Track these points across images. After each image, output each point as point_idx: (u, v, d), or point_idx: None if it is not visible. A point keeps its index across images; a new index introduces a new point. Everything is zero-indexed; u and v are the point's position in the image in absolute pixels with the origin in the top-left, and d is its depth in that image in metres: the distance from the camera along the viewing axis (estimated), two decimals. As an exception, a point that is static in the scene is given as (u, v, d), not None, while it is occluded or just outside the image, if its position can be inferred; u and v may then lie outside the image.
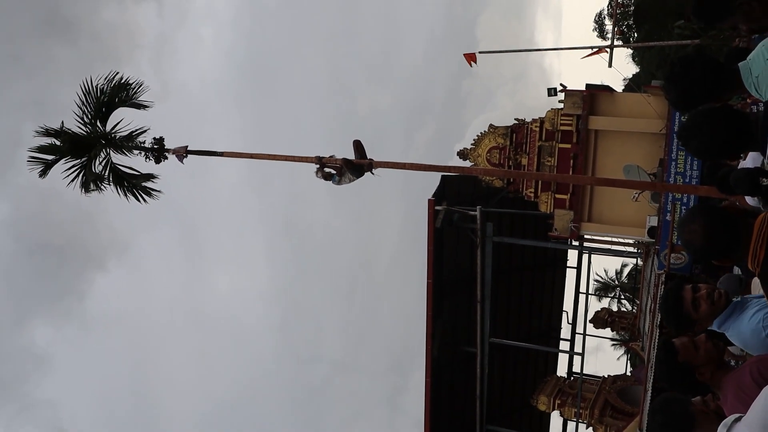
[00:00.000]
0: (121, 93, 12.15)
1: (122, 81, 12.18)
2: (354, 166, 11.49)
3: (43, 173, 12.47)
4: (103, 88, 12.11)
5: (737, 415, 2.50)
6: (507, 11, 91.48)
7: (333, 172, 11.78)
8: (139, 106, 12.62)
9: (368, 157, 11.56)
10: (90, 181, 12.52)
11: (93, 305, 67.97)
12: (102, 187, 12.67)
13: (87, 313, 68.86)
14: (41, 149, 12.40)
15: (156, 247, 77.13)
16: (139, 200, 12.88)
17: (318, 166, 11.76)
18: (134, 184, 12.72)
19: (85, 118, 12.29)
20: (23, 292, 55.85)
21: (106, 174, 12.57)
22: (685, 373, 3.15)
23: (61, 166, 12.55)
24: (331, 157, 11.76)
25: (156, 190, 12.95)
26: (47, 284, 60.64)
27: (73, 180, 12.54)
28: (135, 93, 12.31)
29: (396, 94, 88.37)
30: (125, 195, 12.78)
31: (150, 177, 12.91)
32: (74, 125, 12.55)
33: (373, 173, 11.61)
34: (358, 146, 11.61)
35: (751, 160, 4.98)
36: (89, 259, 68.69)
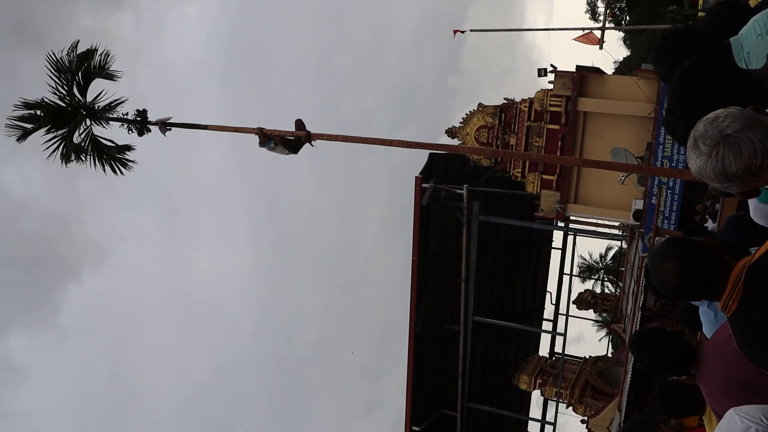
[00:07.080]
0: (87, 62, 11.94)
1: (89, 49, 11.99)
2: (290, 143, 12.09)
3: (23, 138, 12.30)
4: (70, 59, 11.91)
5: None
6: (497, 3, 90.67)
7: (272, 142, 12.32)
8: (110, 77, 12.46)
9: (306, 130, 12.08)
10: (71, 152, 12.42)
11: (68, 312, 66.75)
12: (82, 158, 12.57)
13: (62, 320, 67.56)
14: (22, 119, 12.24)
15: (136, 232, 76.57)
16: (115, 172, 12.87)
17: (259, 136, 12.17)
18: (111, 155, 12.65)
19: (62, 90, 12.10)
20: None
21: (86, 144, 12.45)
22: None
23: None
24: (272, 130, 12.24)
25: (131, 160, 12.96)
26: (21, 295, 59.44)
27: (53, 152, 12.43)
28: (105, 63, 12.15)
29: (381, 88, 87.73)
30: (103, 167, 12.73)
31: (127, 148, 12.87)
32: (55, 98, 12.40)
33: (312, 144, 12.13)
34: (299, 125, 12.12)
35: None
36: (65, 266, 67.80)
